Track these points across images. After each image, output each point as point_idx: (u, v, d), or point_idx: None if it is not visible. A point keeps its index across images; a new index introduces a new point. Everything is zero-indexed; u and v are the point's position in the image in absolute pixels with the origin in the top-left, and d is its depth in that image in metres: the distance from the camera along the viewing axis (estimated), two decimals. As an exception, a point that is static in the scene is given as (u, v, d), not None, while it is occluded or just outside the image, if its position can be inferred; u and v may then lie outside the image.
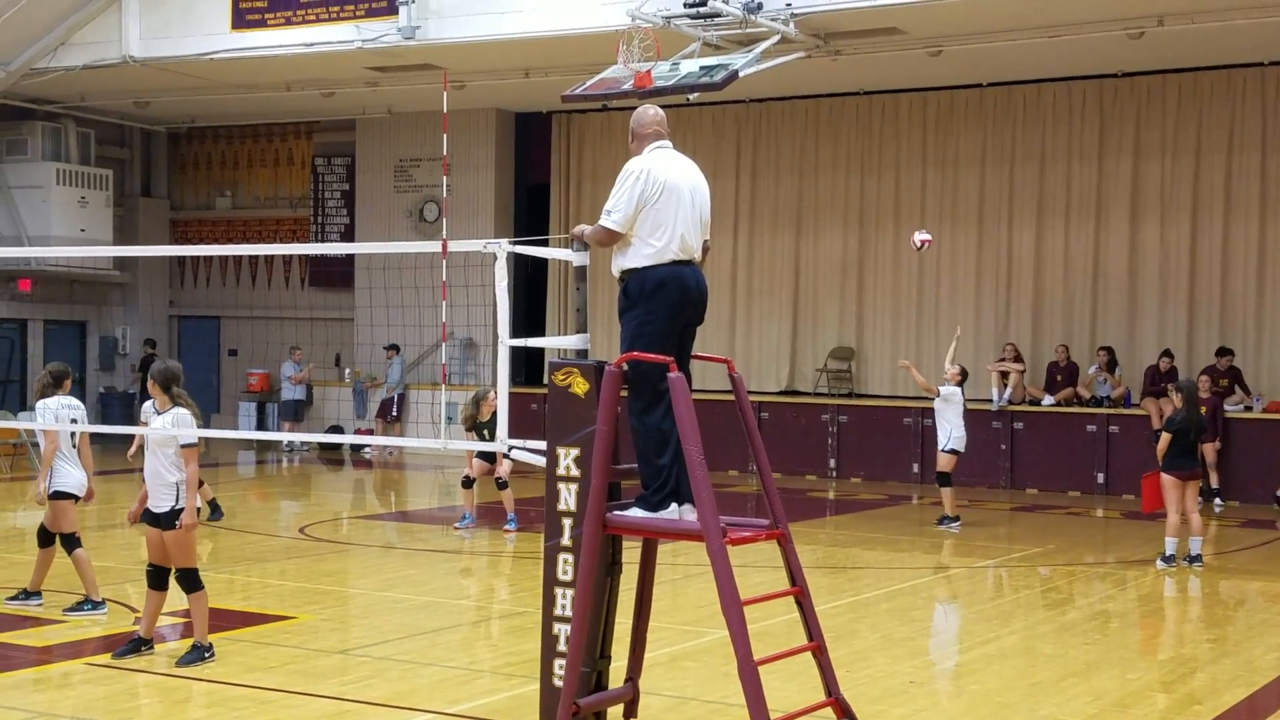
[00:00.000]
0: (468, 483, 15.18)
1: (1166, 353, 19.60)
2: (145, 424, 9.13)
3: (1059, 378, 20.34)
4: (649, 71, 15.24)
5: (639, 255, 6.53)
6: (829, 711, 6.41)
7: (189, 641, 8.88)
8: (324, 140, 26.22)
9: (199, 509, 8.89)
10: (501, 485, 14.96)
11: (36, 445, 10.73)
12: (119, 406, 25.63)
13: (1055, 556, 14.30)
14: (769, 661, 6.04)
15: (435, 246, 8.03)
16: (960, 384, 15.98)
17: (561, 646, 6.43)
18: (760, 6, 16.20)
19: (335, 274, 25.95)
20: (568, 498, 6.52)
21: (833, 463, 21.26)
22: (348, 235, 25.56)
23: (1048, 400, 20.21)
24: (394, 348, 23.94)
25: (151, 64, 20.99)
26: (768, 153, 22.89)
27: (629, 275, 6.57)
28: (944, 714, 8.07)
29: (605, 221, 6.56)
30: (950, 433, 15.76)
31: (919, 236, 15.59)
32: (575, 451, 6.51)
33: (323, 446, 24.42)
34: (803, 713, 6.35)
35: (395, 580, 12.28)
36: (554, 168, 24.53)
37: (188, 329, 27.96)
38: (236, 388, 26.51)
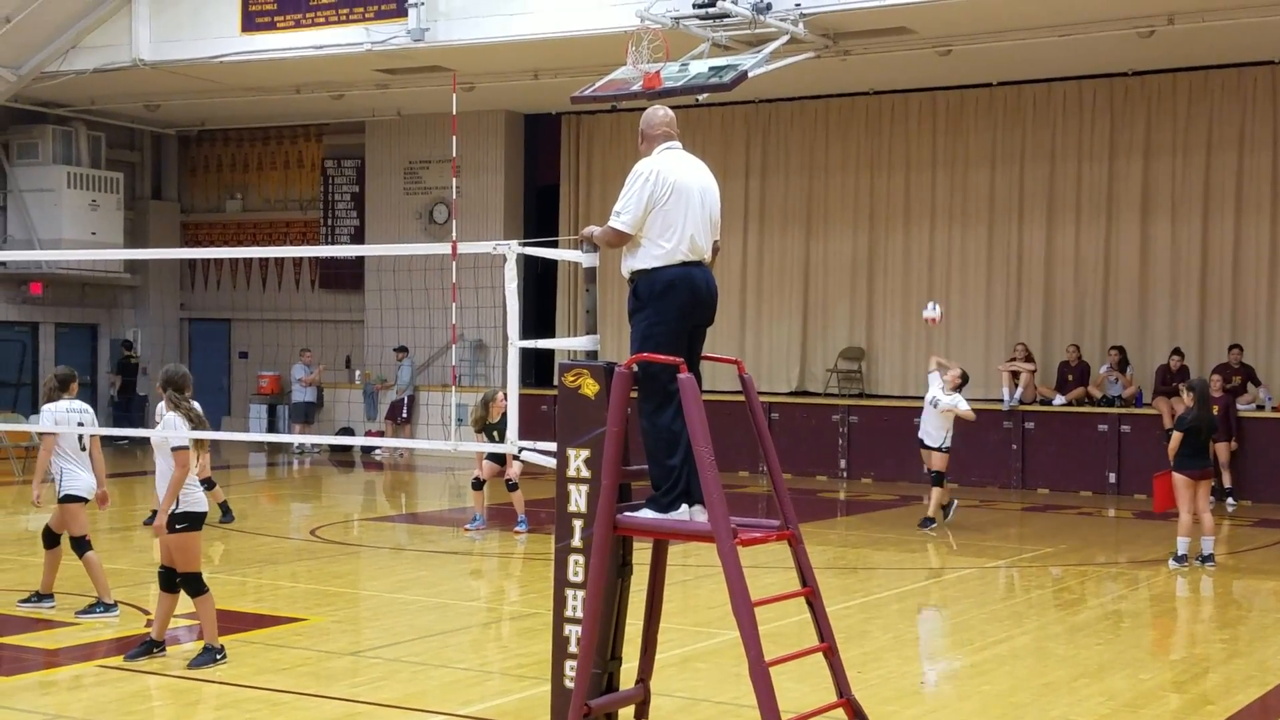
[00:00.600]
0: (478, 484, 15.19)
1: (1177, 351, 19.55)
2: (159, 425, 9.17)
3: (1070, 377, 20.29)
4: (658, 72, 15.23)
5: (648, 256, 6.52)
6: (840, 712, 6.40)
7: (201, 644, 8.89)
8: (333, 142, 26.25)
9: (195, 513, 8.84)
10: (512, 487, 14.96)
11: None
12: (128, 409, 25.68)
13: (1067, 556, 14.27)
14: (780, 662, 6.03)
15: (445, 248, 8.03)
16: (959, 388, 15.87)
17: (572, 648, 6.42)
18: (769, 7, 16.18)
19: (345, 276, 25.97)
20: (578, 499, 6.51)
21: (843, 463, 21.24)
22: (358, 237, 25.58)
23: (1059, 400, 20.16)
24: (404, 350, 23.97)
25: (161, 67, 21.03)
26: (777, 153, 22.87)
27: (638, 276, 6.57)
28: (956, 715, 8.05)
29: (614, 223, 6.55)
30: (949, 433, 15.73)
31: (929, 313, 15.73)
32: (585, 453, 6.50)
33: (333, 448, 24.45)
34: (814, 714, 6.34)
35: (406, 582, 12.29)
36: (563, 169, 24.53)
37: (198, 332, 28.00)
38: (247, 390, 26.55)
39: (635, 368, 6.40)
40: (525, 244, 7.89)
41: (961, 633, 10.52)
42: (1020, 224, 21.33)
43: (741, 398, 6.71)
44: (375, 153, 25.44)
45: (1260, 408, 19.06)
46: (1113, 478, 19.58)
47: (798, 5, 16.49)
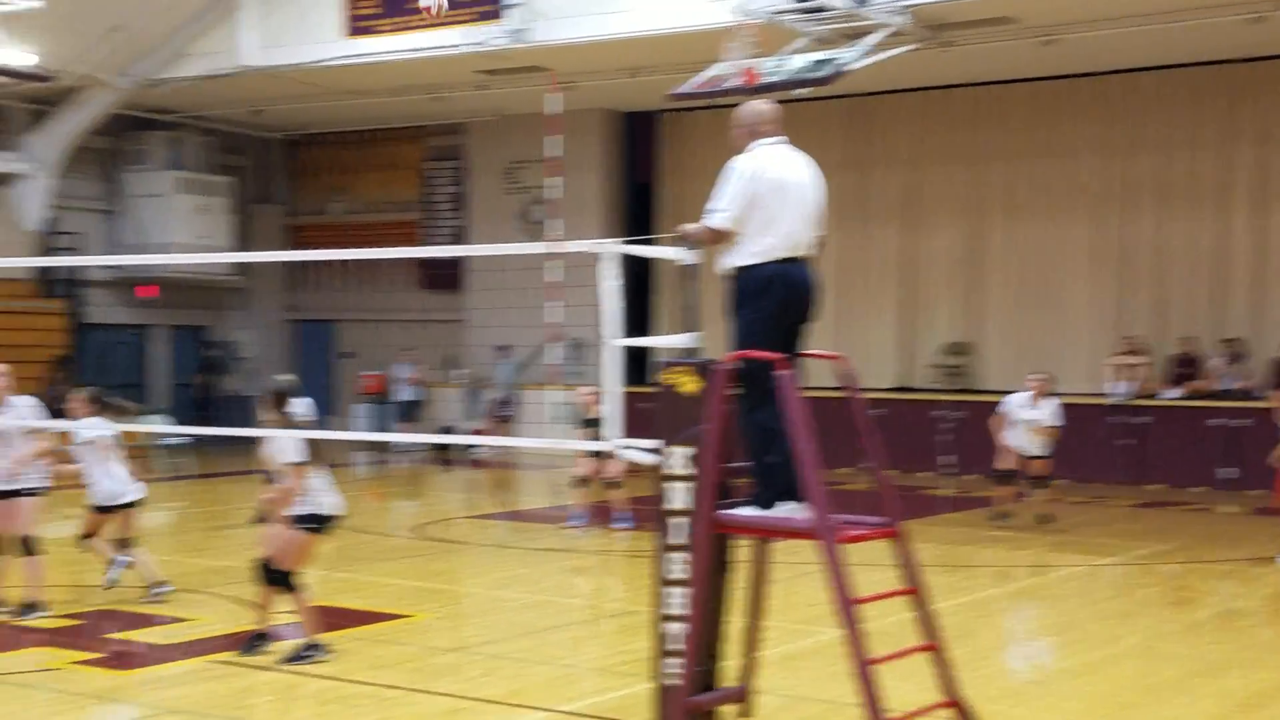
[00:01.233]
0: (579, 482, 15.24)
1: (1293, 343, 19.10)
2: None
3: (1182, 370, 19.86)
4: (756, 67, 15.18)
5: (747, 253, 6.48)
6: (943, 712, 6.31)
7: (305, 640, 9.01)
8: (433, 144, 26.49)
9: (323, 515, 9.05)
10: (612, 484, 14.99)
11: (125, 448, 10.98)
12: (234, 410, 26.12)
13: (1179, 554, 13.97)
14: (884, 661, 5.96)
15: (543, 248, 8.06)
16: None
17: (674, 645, 6.41)
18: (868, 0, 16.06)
19: (446, 276, 26.21)
20: (678, 497, 6.50)
21: (948, 459, 20.97)
22: (458, 237, 25.79)
23: (1171, 393, 19.74)
24: (505, 348, 24.11)
25: (267, 72, 21.38)
26: (875, 147, 22.67)
27: (737, 273, 6.53)
28: (1063, 714, 7.91)
29: (711, 220, 6.52)
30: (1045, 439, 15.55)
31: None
32: (685, 450, 6.49)
33: (435, 447, 24.68)
34: (919, 713, 6.26)
35: (507, 579, 12.36)
36: (661, 166, 24.53)
37: (303, 333, 28.42)
38: (352, 390, 26.89)
39: (735, 365, 6.37)
40: (624, 242, 7.87)
41: (1069, 631, 10.34)
42: (1127, 215, 20.94)
43: (841, 394, 6.65)
44: (475, 153, 25.63)
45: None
46: (1229, 472, 19.12)
47: (899, -3, 16.35)
